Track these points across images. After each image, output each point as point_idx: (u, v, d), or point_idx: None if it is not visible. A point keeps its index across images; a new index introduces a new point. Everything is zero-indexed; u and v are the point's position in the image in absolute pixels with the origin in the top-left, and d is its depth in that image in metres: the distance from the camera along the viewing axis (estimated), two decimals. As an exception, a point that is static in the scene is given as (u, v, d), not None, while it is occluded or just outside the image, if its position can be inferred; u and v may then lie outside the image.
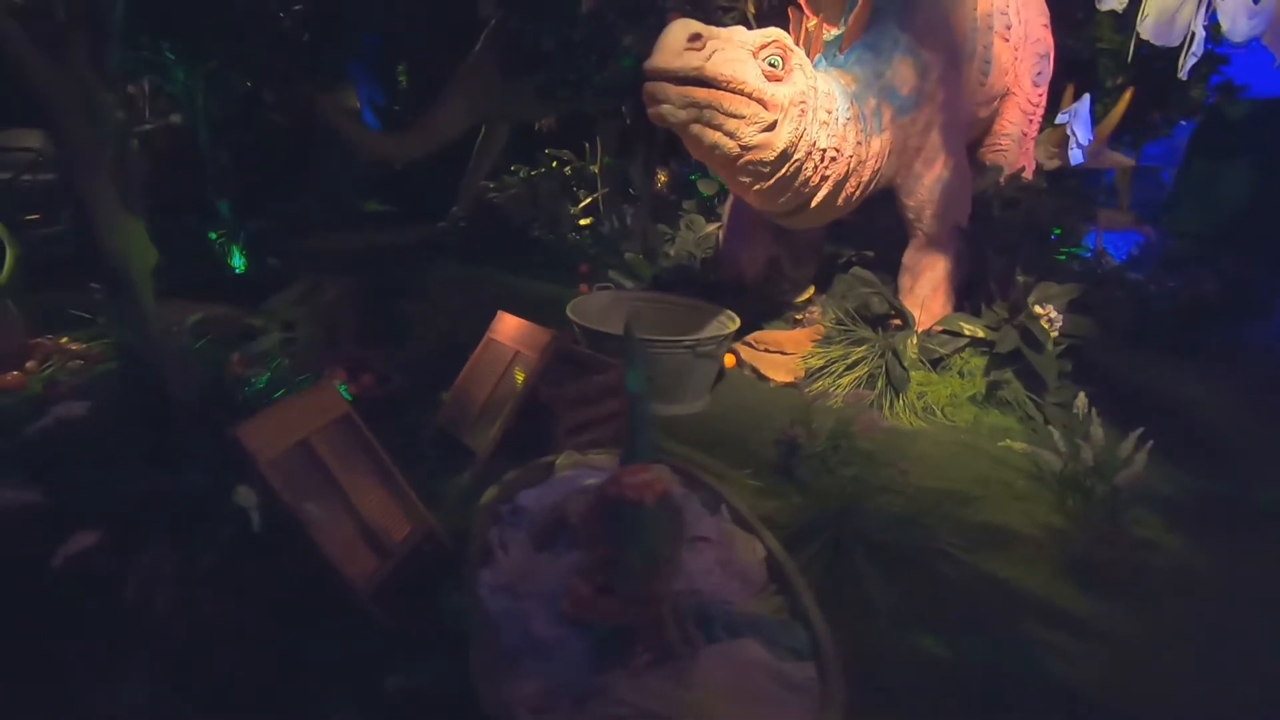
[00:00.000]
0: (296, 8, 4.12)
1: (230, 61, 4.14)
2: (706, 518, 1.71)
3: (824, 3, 3.39)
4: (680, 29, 2.46)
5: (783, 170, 2.91)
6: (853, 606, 1.86)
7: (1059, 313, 3.03)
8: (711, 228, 4.52)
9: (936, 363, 3.21)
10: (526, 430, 2.57)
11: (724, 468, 2.59)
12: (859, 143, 3.18)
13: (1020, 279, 3.19)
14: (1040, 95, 4.50)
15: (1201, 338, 3.75)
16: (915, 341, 3.15)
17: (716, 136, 2.68)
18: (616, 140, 5.93)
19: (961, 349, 3.20)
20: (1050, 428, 2.40)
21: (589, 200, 6.09)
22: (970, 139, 4.42)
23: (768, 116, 2.71)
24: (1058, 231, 4.51)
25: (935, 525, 2.20)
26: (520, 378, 2.57)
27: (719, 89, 2.57)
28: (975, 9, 3.77)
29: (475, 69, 5.00)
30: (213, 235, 4.41)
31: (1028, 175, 4.59)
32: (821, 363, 3.33)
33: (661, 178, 5.84)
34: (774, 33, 2.72)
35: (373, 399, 2.91)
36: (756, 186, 2.98)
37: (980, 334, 3.16)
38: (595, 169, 6.11)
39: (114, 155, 1.63)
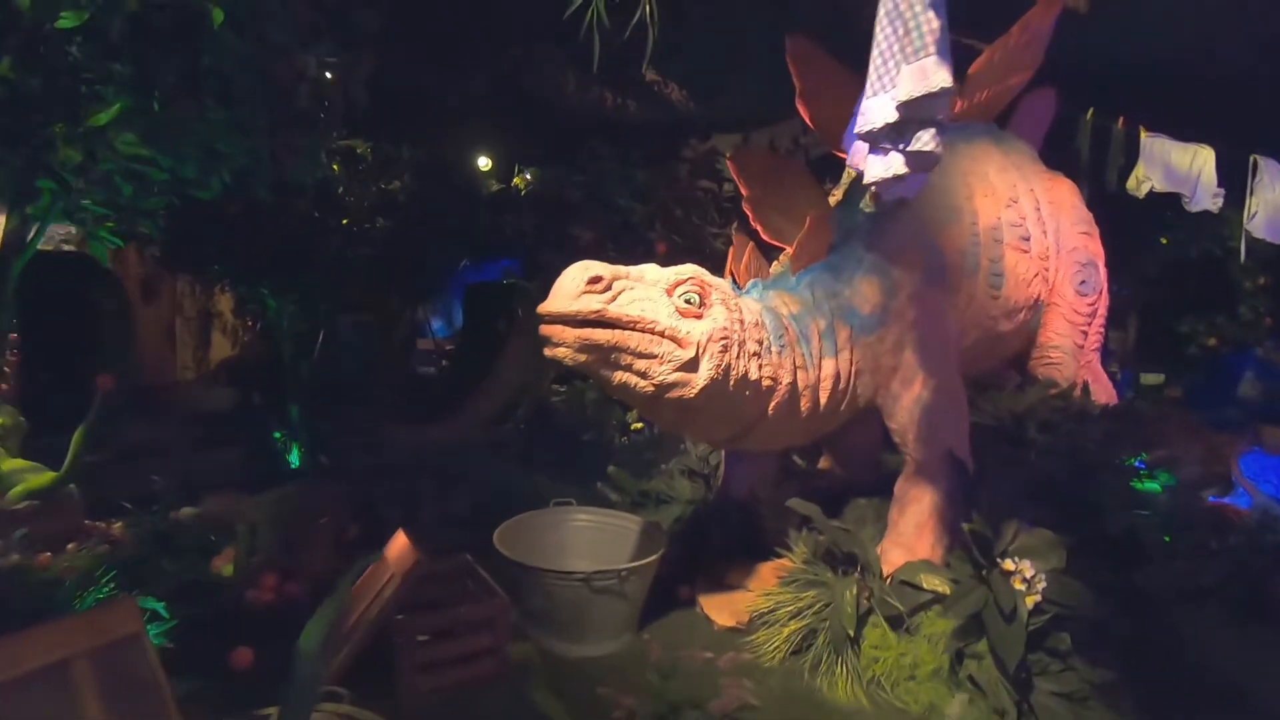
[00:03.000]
0: (366, 251, 4.91)
1: (310, 295, 4.96)
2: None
3: (784, 227, 3.40)
4: (578, 271, 2.44)
5: (709, 406, 2.73)
6: None
7: (1037, 570, 2.43)
8: (715, 441, 4.34)
9: (898, 622, 2.66)
10: (376, 664, 2.46)
11: (572, 735, 2.25)
12: (800, 367, 2.99)
13: (969, 526, 2.64)
14: (1090, 304, 4.03)
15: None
16: (854, 593, 2.65)
17: (627, 377, 2.57)
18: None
19: (925, 606, 2.64)
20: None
21: (644, 405, 6.19)
22: (1007, 352, 4.00)
23: (683, 354, 2.58)
24: (1131, 460, 3.79)
25: None
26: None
27: (624, 329, 2.50)
28: (975, 224, 3.59)
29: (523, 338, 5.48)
30: (277, 435, 5.02)
31: (1090, 391, 4.00)
32: (769, 607, 2.90)
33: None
34: (690, 270, 2.70)
35: (281, 609, 2.99)
36: (684, 422, 2.84)
37: (943, 589, 2.60)
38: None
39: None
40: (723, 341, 2.66)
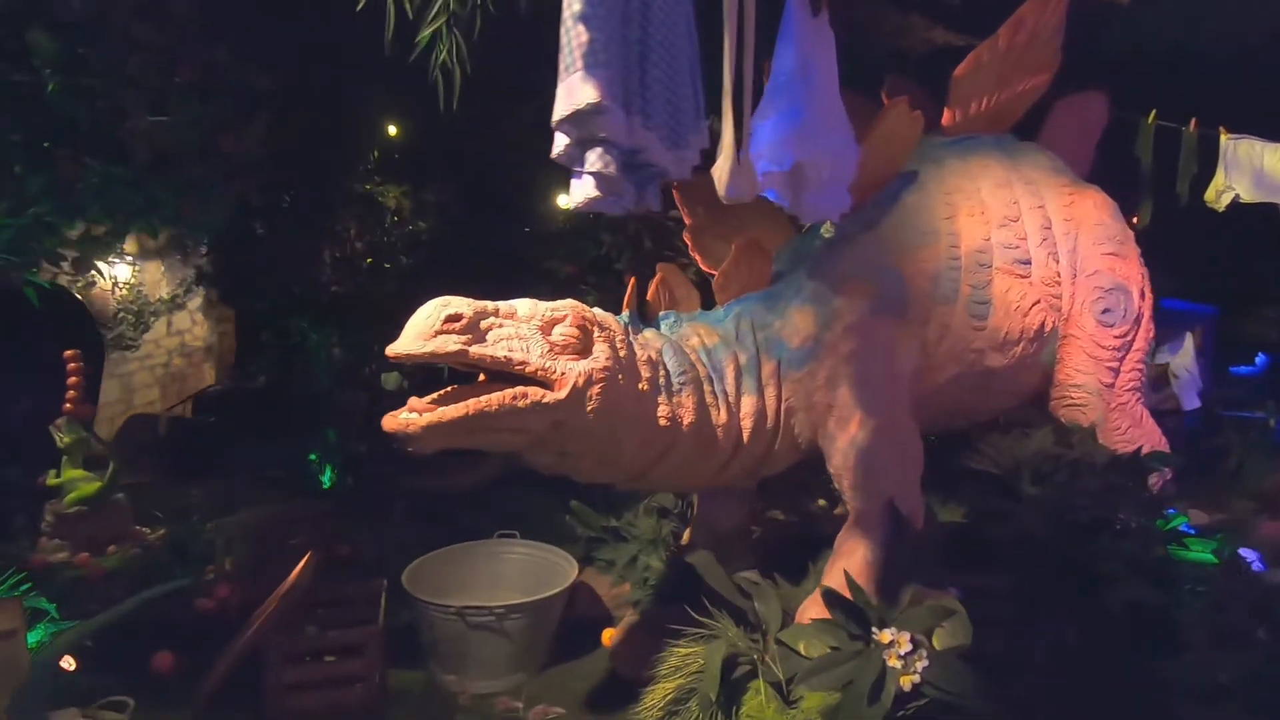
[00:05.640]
0: (391, 292, 5.29)
1: (349, 328, 5.41)
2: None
3: (721, 253, 3.24)
4: (434, 308, 2.25)
5: (591, 449, 2.56)
6: None
7: (919, 645, 2.08)
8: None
9: (784, 689, 2.38)
10: (247, 682, 2.56)
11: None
12: (710, 405, 2.79)
13: (825, 586, 2.30)
14: (1119, 336, 3.45)
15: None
16: (722, 654, 2.40)
17: (499, 438, 2.39)
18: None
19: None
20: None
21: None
22: (1017, 389, 3.51)
23: (557, 395, 2.40)
24: (1166, 524, 3.18)
25: None
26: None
27: (481, 402, 2.26)
28: (955, 246, 3.23)
29: None
30: (312, 456, 5.46)
31: (1121, 435, 3.42)
32: (667, 658, 2.71)
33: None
34: (568, 305, 2.54)
35: (215, 619, 3.21)
36: (566, 466, 2.64)
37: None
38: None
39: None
40: (603, 382, 2.47)
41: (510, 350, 2.34)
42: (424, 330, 2.24)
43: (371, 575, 3.58)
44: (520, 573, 3.38)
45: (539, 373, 2.37)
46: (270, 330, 5.24)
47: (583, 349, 2.49)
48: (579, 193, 1.67)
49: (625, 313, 2.82)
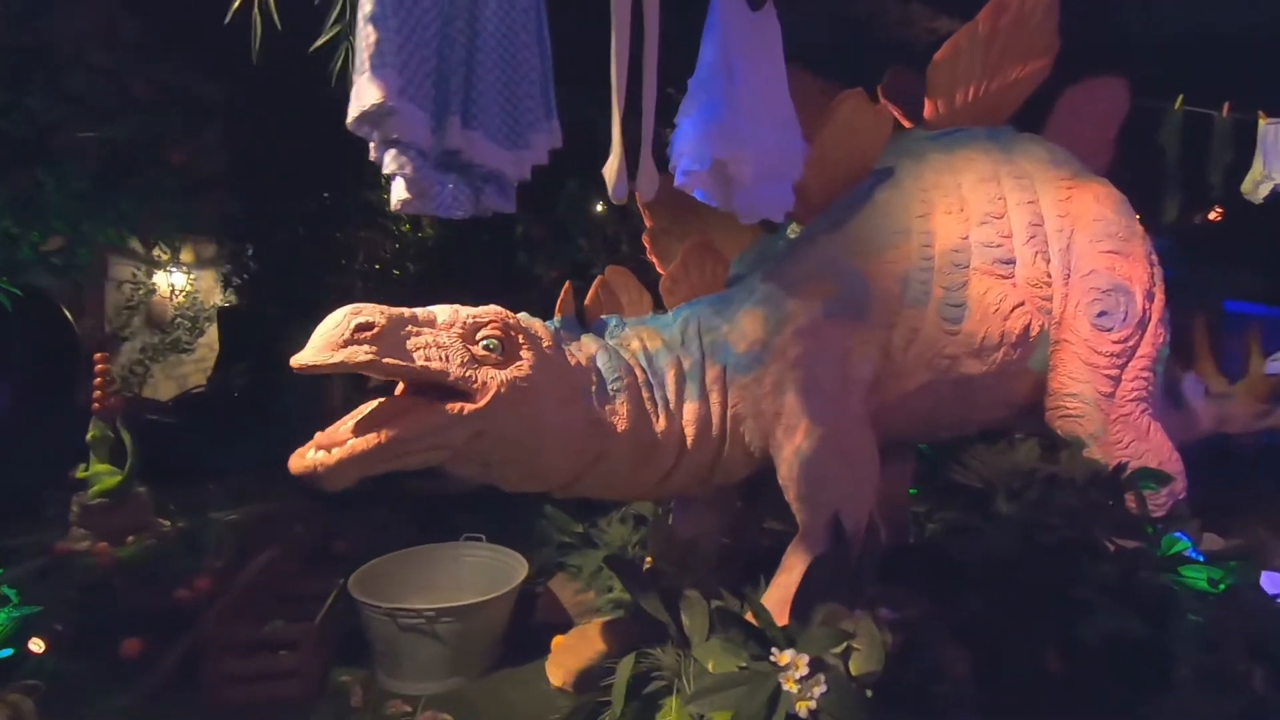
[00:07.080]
0: (400, 299, 5.46)
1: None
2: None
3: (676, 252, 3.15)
4: (343, 316, 2.06)
5: (517, 458, 2.46)
6: None
7: (816, 669, 1.95)
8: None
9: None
10: (193, 670, 2.66)
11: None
12: (649, 412, 2.71)
13: (720, 604, 2.17)
14: (1118, 341, 3.17)
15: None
16: (630, 668, 2.32)
17: (422, 456, 2.22)
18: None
19: (717, 695, 2.23)
20: None
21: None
22: (1007, 398, 3.27)
23: (477, 405, 2.26)
24: (1171, 548, 2.90)
25: None
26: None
27: (397, 429, 2.07)
28: (928, 246, 3.06)
29: None
30: (325, 456, 5.65)
31: (1122, 449, 3.14)
32: (599, 669, 2.66)
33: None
34: (491, 311, 2.43)
35: (186, 609, 3.35)
36: (488, 476, 2.53)
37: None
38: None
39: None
40: (526, 389, 2.36)
41: (428, 359, 2.19)
42: (333, 340, 2.05)
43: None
44: (480, 576, 3.39)
45: (459, 382, 2.24)
46: (260, 334, 5.44)
47: (506, 356, 2.42)
48: (394, 195, 1.65)
49: (557, 318, 2.78)
